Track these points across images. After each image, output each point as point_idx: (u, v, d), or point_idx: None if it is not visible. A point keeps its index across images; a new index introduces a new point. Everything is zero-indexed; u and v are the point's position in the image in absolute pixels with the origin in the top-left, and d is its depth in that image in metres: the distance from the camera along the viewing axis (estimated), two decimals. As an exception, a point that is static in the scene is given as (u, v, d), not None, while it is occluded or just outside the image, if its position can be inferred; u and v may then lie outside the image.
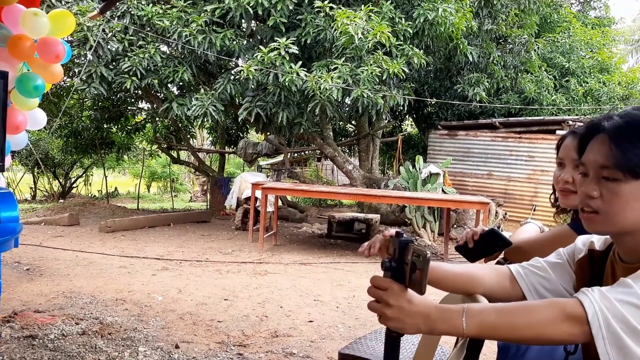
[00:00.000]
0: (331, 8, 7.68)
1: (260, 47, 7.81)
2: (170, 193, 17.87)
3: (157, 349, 3.41)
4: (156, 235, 8.37)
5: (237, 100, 8.70)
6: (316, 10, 7.91)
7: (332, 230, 8.74)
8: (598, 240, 1.22)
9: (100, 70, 8.11)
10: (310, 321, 4.21)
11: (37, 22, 3.76)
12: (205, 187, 16.86)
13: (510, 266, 1.31)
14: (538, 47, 11.65)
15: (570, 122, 9.62)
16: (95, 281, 5.17)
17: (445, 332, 1.03)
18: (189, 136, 13.68)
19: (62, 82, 10.07)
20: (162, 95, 9.41)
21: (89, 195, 17.64)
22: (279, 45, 7.60)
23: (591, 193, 1.06)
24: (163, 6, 8.46)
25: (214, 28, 8.15)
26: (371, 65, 7.71)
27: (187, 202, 17.99)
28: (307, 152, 16.62)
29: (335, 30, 7.63)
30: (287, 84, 7.53)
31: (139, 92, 9.87)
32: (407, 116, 14.53)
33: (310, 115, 8.36)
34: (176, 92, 9.50)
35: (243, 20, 8.42)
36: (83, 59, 8.22)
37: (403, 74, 7.95)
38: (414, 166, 8.90)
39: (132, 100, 11.88)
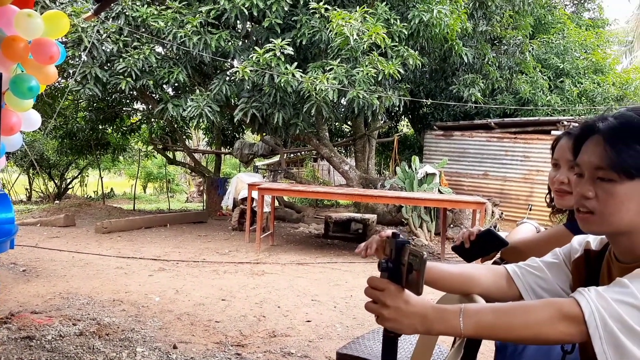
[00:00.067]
0: (326, 9, 7.70)
1: (256, 48, 7.82)
2: (167, 194, 17.84)
3: (154, 350, 3.41)
4: (153, 236, 8.36)
5: (233, 101, 8.70)
6: (311, 11, 7.92)
7: (329, 230, 8.75)
8: (594, 240, 1.23)
9: (95, 71, 8.09)
10: (308, 321, 4.22)
11: (31, 23, 3.75)
12: (201, 188, 16.82)
13: (506, 266, 1.32)
14: (533, 48, 11.70)
15: (565, 123, 9.66)
16: (92, 282, 5.16)
17: (443, 332, 1.03)
18: (184, 137, 13.66)
19: (57, 83, 10.04)
20: (157, 96, 9.41)
21: (85, 196, 17.57)
22: (275, 46, 7.60)
23: (586, 194, 1.07)
24: (158, 7, 8.44)
25: (209, 29, 8.14)
26: (366, 66, 7.72)
27: (183, 202, 17.96)
28: (303, 152, 16.62)
29: (330, 31, 7.64)
30: (282, 84, 7.54)
31: (134, 93, 9.86)
32: (402, 117, 14.56)
33: (306, 116, 8.37)
34: (171, 93, 9.50)
35: (238, 22, 8.42)
36: (77, 60, 8.20)
37: (398, 75, 7.96)
38: (410, 166, 8.92)
39: (127, 101, 11.85)
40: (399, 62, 7.96)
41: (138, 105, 12.61)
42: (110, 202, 15.52)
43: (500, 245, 1.65)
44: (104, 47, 8.19)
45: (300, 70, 7.75)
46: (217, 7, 7.96)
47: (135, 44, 8.31)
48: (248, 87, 8.00)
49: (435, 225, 8.75)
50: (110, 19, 8.27)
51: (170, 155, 14.57)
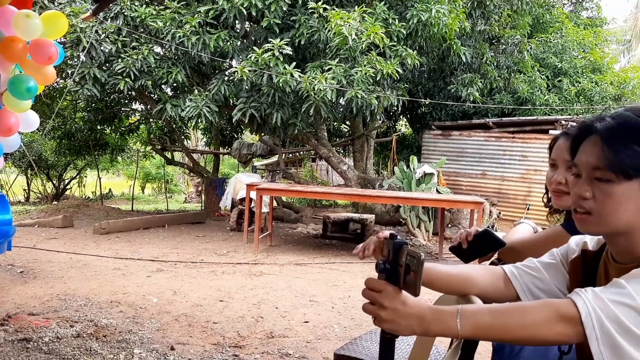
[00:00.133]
0: (325, 9, 7.69)
1: (254, 48, 7.81)
2: (165, 194, 17.83)
3: (152, 351, 3.41)
4: (151, 236, 8.35)
5: (231, 101, 8.69)
6: (310, 11, 7.92)
7: (327, 230, 8.75)
8: (591, 241, 1.22)
9: (94, 72, 8.08)
10: (306, 322, 4.22)
11: (30, 23, 3.74)
12: (199, 188, 16.82)
13: (504, 267, 1.32)
14: (531, 48, 11.71)
15: (563, 122, 9.67)
16: (89, 283, 5.15)
17: (440, 333, 1.03)
18: (183, 137, 13.65)
19: (55, 84, 10.03)
20: (155, 96, 9.39)
21: (83, 196, 17.57)
22: (273, 46, 7.60)
23: (584, 194, 1.06)
24: (156, 7, 8.43)
25: (207, 29, 8.14)
26: (365, 66, 7.72)
27: (181, 203, 17.96)
28: (301, 152, 16.62)
29: (329, 31, 7.63)
30: (281, 84, 7.53)
31: (133, 93, 9.85)
32: (401, 116, 14.56)
33: (305, 116, 8.36)
34: (170, 93, 9.49)
35: (237, 21, 8.41)
36: (76, 60, 8.19)
37: (397, 75, 7.96)
38: (408, 166, 8.92)
39: (126, 101, 11.84)
40: (398, 62, 7.96)
41: (136, 106, 12.60)
42: (109, 202, 15.51)
43: (498, 246, 1.65)
44: (102, 48, 8.17)
45: (299, 70, 7.74)
46: (216, 7, 7.95)
47: (133, 44, 8.30)
48: (247, 87, 8.00)
49: (433, 225, 8.76)
50: (109, 19, 8.26)
51: (168, 155, 14.57)
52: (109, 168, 19.10)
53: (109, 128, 13.26)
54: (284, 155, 13.56)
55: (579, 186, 1.08)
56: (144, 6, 8.30)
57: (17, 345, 3.38)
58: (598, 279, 1.16)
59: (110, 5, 7.85)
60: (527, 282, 1.27)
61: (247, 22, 8.80)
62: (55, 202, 13.95)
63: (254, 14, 7.88)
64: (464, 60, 9.52)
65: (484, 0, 9.84)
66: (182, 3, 8.32)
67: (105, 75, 8.21)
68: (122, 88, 8.12)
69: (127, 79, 8.07)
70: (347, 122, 12.94)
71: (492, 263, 1.76)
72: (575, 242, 1.26)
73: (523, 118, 10.73)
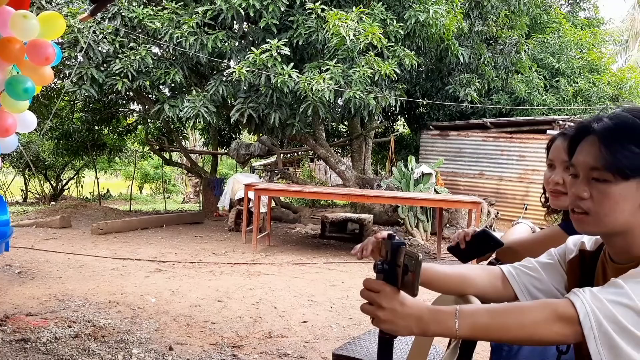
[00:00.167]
0: (323, 10, 7.69)
1: (252, 48, 7.81)
2: (163, 194, 17.81)
3: (150, 351, 3.40)
4: (149, 237, 8.34)
5: (229, 102, 8.68)
6: (308, 11, 7.92)
7: (325, 230, 8.75)
8: (589, 241, 1.23)
9: (91, 72, 8.07)
10: (304, 321, 4.22)
11: (27, 24, 3.73)
12: (197, 189, 16.81)
13: (502, 267, 1.32)
14: (528, 48, 11.72)
15: (561, 122, 9.69)
16: (87, 284, 5.15)
17: (438, 333, 1.03)
18: (181, 137, 13.63)
19: (53, 84, 10.02)
20: (153, 96, 9.38)
21: (81, 197, 17.53)
22: (271, 46, 7.59)
23: (581, 194, 1.07)
24: (154, 8, 8.43)
25: (205, 30, 8.13)
26: (363, 66, 7.72)
27: (179, 203, 17.94)
28: (299, 152, 16.62)
29: (326, 31, 7.64)
30: (279, 85, 7.53)
31: (131, 93, 9.84)
32: (399, 117, 14.57)
33: (303, 116, 8.36)
34: (168, 94, 9.47)
35: (234, 22, 8.41)
36: (74, 60, 8.18)
37: (395, 75, 7.97)
38: (406, 166, 8.93)
39: (124, 102, 11.82)
40: (395, 62, 7.97)
41: (134, 106, 12.58)
42: (107, 203, 15.48)
43: (496, 246, 1.65)
44: (100, 48, 8.16)
45: (297, 70, 7.74)
46: (214, 7, 7.95)
47: (131, 44, 8.29)
48: (244, 88, 8.00)
49: (431, 225, 8.77)
50: (107, 20, 8.25)
51: (166, 155, 14.55)
52: (106, 168, 19.08)
53: (107, 128, 13.24)
54: (282, 155, 13.55)
55: (576, 186, 1.08)
56: (142, 7, 8.29)
57: (15, 345, 3.37)
58: (596, 279, 1.16)
59: (108, 5, 7.84)
60: (525, 282, 1.27)
61: (244, 23, 8.80)
62: (53, 203, 13.93)
63: (251, 14, 7.87)
64: (462, 61, 9.53)
65: (481, 1, 9.86)
66: (180, 4, 8.32)
67: (102, 75, 8.20)
68: (119, 88, 8.11)
69: (124, 80, 8.06)
70: (345, 123, 12.94)
71: (490, 263, 1.76)
72: (572, 242, 1.26)
73: (521, 118, 10.75)
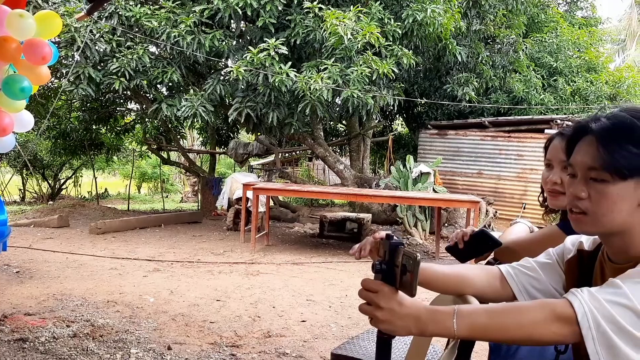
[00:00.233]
0: (320, 9, 7.69)
1: (250, 47, 7.80)
2: (161, 194, 17.79)
3: (149, 351, 3.40)
4: (147, 236, 8.33)
5: (227, 101, 8.67)
6: (305, 10, 7.91)
7: (324, 229, 8.75)
8: (587, 241, 1.23)
9: (88, 72, 8.06)
10: (303, 321, 4.22)
11: (23, 23, 3.72)
12: (196, 188, 16.80)
13: (500, 266, 1.32)
14: (526, 47, 11.73)
15: (559, 121, 9.70)
16: (85, 283, 5.14)
17: (436, 333, 1.03)
18: (179, 137, 13.62)
19: (50, 84, 9.99)
20: (151, 96, 9.37)
21: (79, 196, 17.51)
22: (269, 45, 7.59)
23: (579, 194, 1.07)
24: (151, 7, 8.41)
25: (202, 29, 8.12)
26: (361, 65, 7.72)
27: (178, 202, 17.92)
28: (298, 152, 16.62)
29: (324, 30, 7.63)
30: (277, 84, 7.53)
31: (128, 93, 9.81)
32: (397, 116, 14.57)
33: (301, 116, 8.36)
34: (165, 93, 9.46)
35: (232, 21, 8.39)
36: (71, 60, 8.16)
37: (392, 74, 7.97)
38: (404, 165, 8.93)
39: (121, 101, 11.80)
40: (393, 62, 7.97)
41: (132, 105, 12.56)
42: (104, 202, 15.46)
43: (494, 246, 1.65)
44: (97, 47, 8.14)
45: (295, 69, 7.74)
46: (211, 6, 7.94)
47: (128, 43, 8.27)
48: (242, 87, 7.99)
49: (429, 224, 8.77)
50: (104, 19, 8.23)
51: (164, 155, 14.53)
52: (104, 168, 19.04)
53: (105, 128, 13.21)
54: (280, 154, 13.55)
55: (574, 186, 1.08)
56: (139, 6, 8.27)
57: (13, 345, 3.37)
58: (594, 278, 1.17)
59: (105, 4, 7.82)
60: (523, 281, 1.27)
61: (242, 22, 8.79)
62: (50, 202, 13.91)
63: (249, 13, 7.86)
64: (460, 60, 9.54)
65: (479, 0, 9.86)
66: (177, 2, 8.30)
67: (100, 74, 8.19)
68: (117, 88, 8.09)
69: (122, 79, 8.05)
70: (344, 122, 12.94)
71: (488, 263, 1.77)
72: (571, 242, 1.26)
73: (519, 117, 10.76)
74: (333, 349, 2.14)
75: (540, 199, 1.72)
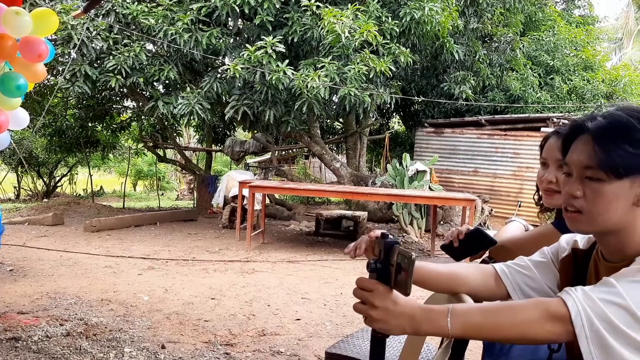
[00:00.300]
0: (318, 7, 7.67)
1: (247, 45, 7.78)
2: (157, 191, 17.75)
3: (143, 350, 3.39)
4: (142, 234, 8.31)
5: (224, 99, 8.65)
6: (303, 8, 7.89)
7: (319, 227, 8.74)
8: (581, 239, 1.23)
9: (85, 69, 8.02)
10: (298, 319, 4.21)
11: (19, 21, 3.70)
12: (192, 186, 16.75)
13: (495, 265, 1.32)
14: (523, 46, 11.74)
15: (555, 120, 9.72)
16: (80, 281, 5.12)
17: (430, 332, 1.03)
18: (175, 134, 13.58)
19: (46, 81, 9.94)
20: (147, 93, 9.33)
21: (74, 194, 17.44)
22: (266, 43, 7.57)
23: (575, 193, 1.06)
24: (148, 4, 8.37)
25: (200, 26, 8.09)
26: (358, 63, 7.71)
27: (173, 200, 17.87)
28: (294, 150, 16.60)
29: (322, 28, 7.62)
30: (274, 82, 7.51)
31: (124, 90, 9.78)
32: (394, 114, 14.58)
33: (298, 114, 8.34)
34: (162, 91, 9.43)
35: (229, 19, 8.36)
36: (67, 57, 8.12)
37: (390, 73, 7.96)
38: (401, 164, 8.94)
39: (117, 98, 11.76)
40: (391, 60, 7.96)
41: (128, 103, 12.52)
42: (100, 200, 15.42)
43: (489, 244, 1.65)
44: (93, 45, 8.10)
45: (292, 67, 7.72)
46: (208, 4, 7.91)
47: (125, 41, 8.24)
48: (239, 85, 7.97)
49: (425, 222, 8.78)
50: (100, 16, 8.19)
51: (160, 152, 14.49)
52: (100, 165, 18.96)
53: (100, 125, 13.17)
54: (276, 152, 13.53)
55: (570, 185, 1.08)
56: (136, 3, 8.24)
57: (5, 344, 3.35)
58: (588, 277, 1.17)
59: (102, 2, 7.79)
60: (518, 280, 1.27)
61: (239, 20, 8.76)
62: (45, 200, 13.85)
63: (246, 11, 7.84)
64: (457, 58, 9.54)
65: (476, -2, 9.86)
66: (174, 0, 8.27)
67: (96, 72, 8.15)
68: (113, 85, 8.06)
69: (118, 76, 8.02)
70: (340, 120, 12.93)
71: (483, 261, 1.76)
72: (565, 240, 1.26)
73: (515, 116, 10.78)
74: (327, 347, 2.13)
75: (536, 197, 1.72)
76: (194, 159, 17.29)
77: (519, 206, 10.00)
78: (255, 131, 10.93)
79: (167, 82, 8.79)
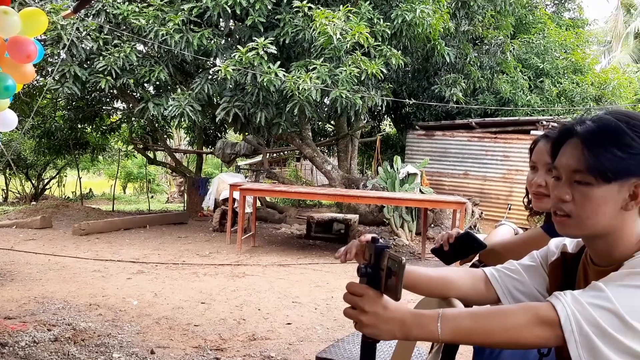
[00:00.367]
0: (310, 8, 7.67)
1: (238, 46, 7.76)
2: (147, 194, 17.64)
3: (131, 355, 3.35)
4: (132, 237, 8.24)
5: (215, 100, 8.62)
6: (295, 10, 7.89)
7: (311, 230, 8.73)
8: (570, 243, 1.23)
9: (74, 70, 7.96)
10: (289, 323, 4.19)
11: (8, 20, 3.66)
12: (182, 188, 16.67)
13: (485, 269, 1.32)
14: (513, 48, 11.82)
15: (545, 122, 9.78)
16: (68, 286, 5.06)
17: (421, 337, 1.03)
18: (165, 136, 13.51)
19: (35, 82, 9.85)
20: (138, 95, 9.28)
21: (63, 197, 17.29)
22: (257, 45, 7.55)
23: (564, 197, 1.06)
24: (139, 5, 8.33)
25: (191, 27, 8.06)
26: (350, 65, 7.72)
27: (163, 203, 17.77)
28: (286, 152, 16.57)
29: (313, 30, 7.62)
30: (265, 84, 7.50)
31: (114, 91, 9.71)
32: (385, 116, 14.61)
33: (289, 116, 8.33)
34: (152, 92, 9.38)
35: (221, 20, 8.35)
36: (56, 58, 8.06)
37: (381, 75, 7.98)
38: (392, 166, 8.95)
39: (107, 100, 11.68)
40: (382, 62, 7.98)
41: (118, 104, 12.44)
42: (89, 203, 15.29)
43: (479, 248, 1.65)
44: (83, 45, 8.05)
45: (284, 69, 7.72)
46: (200, 5, 7.89)
47: (115, 42, 8.19)
48: (230, 86, 7.94)
49: (416, 225, 8.80)
50: (90, 17, 8.14)
51: (150, 155, 14.40)
52: (89, 167, 18.83)
53: (90, 127, 13.07)
54: (268, 155, 13.50)
55: (558, 189, 1.08)
56: (127, 3, 8.19)
57: (-8, 349, 3.30)
58: (577, 281, 1.17)
59: (92, 2, 7.74)
60: (507, 284, 1.27)
61: (231, 21, 8.75)
62: (34, 203, 13.72)
63: (238, 12, 7.83)
64: (448, 61, 9.58)
65: (467, 1, 9.91)
66: (165, 0, 8.23)
67: (86, 73, 8.10)
68: (103, 86, 8.01)
69: (108, 77, 7.97)
70: (332, 122, 12.94)
71: (473, 265, 1.76)
72: (555, 244, 1.26)
73: (505, 118, 10.84)
74: (318, 352, 2.11)
75: (525, 201, 1.72)
76: (185, 161, 17.21)
77: (509, 209, 10.05)
78: (247, 133, 10.90)
79: (157, 83, 8.75)
